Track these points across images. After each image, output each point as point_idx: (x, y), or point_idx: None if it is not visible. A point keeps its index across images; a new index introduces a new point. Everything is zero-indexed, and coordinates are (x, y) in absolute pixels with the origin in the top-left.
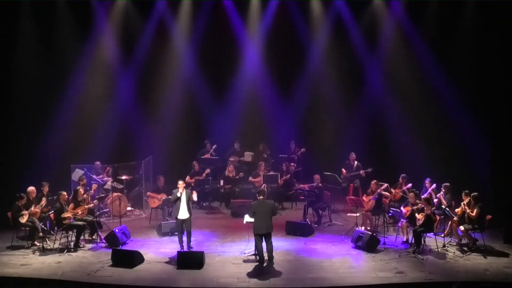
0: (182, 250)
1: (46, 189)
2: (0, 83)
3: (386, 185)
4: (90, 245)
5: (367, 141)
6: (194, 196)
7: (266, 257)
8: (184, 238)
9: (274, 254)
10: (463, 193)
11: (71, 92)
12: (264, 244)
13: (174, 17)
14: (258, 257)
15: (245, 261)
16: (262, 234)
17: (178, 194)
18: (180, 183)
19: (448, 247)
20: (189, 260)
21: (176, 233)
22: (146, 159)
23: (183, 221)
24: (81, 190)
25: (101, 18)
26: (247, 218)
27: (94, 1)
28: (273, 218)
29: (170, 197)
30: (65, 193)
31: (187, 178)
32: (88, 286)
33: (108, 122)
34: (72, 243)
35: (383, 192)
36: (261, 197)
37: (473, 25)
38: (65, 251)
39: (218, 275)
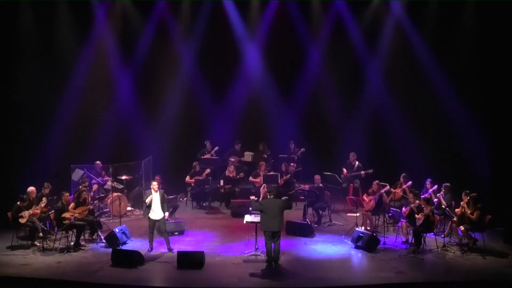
0: (150, 250)
1: (47, 190)
2: (0, 83)
3: (387, 186)
4: (90, 245)
5: (367, 141)
6: (166, 214)
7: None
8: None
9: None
10: (462, 193)
11: (71, 92)
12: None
13: (174, 17)
14: (266, 257)
15: (245, 261)
16: (273, 232)
17: (153, 194)
18: (154, 183)
19: (448, 247)
20: (189, 260)
21: (176, 233)
22: (146, 159)
23: (157, 221)
24: (85, 192)
25: (101, 18)
26: (247, 218)
27: (94, 1)
28: None
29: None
30: (67, 194)
31: (187, 178)
32: (88, 286)
33: (108, 122)
34: (72, 243)
35: (384, 195)
36: (271, 196)
37: (473, 24)
38: (65, 251)
39: (218, 275)
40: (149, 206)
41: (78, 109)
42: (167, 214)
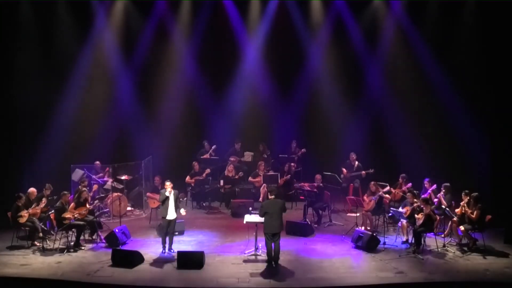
0: (164, 252)
1: (48, 191)
2: (0, 83)
3: (388, 187)
4: (90, 245)
5: (367, 141)
6: (183, 211)
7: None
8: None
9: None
10: (463, 193)
11: (71, 92)
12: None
13: (174, 17)
14: (267, 257)
15: (245, 261)
16: (274, 233)
17: (167, 193)
18: (168, 184)
19: (448, 247)
20: (189, 260)
21: (176, 233)
22: (146, 159)
23: (170, 221)
24: (86, 192)
25: (101, 18)
26: (247, 218)
27: (94, 1)
28: None
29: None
30: (68, 194)
31: (187, 178)
32: (88, 286)
33: (108, 122)
34: (72, 243)
35: (384, 195)
36: (272, 196)
37: (473, 24)
38: (65, 251)
39: (218, 275)
40: (164, 207)
41: (78, 109)
42: (183, 210)
